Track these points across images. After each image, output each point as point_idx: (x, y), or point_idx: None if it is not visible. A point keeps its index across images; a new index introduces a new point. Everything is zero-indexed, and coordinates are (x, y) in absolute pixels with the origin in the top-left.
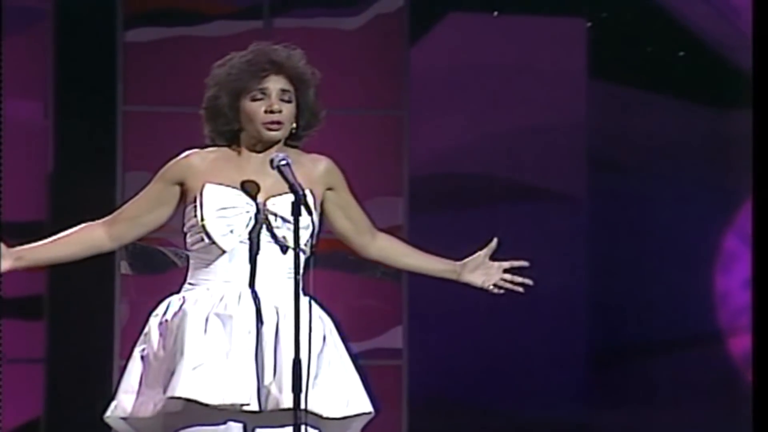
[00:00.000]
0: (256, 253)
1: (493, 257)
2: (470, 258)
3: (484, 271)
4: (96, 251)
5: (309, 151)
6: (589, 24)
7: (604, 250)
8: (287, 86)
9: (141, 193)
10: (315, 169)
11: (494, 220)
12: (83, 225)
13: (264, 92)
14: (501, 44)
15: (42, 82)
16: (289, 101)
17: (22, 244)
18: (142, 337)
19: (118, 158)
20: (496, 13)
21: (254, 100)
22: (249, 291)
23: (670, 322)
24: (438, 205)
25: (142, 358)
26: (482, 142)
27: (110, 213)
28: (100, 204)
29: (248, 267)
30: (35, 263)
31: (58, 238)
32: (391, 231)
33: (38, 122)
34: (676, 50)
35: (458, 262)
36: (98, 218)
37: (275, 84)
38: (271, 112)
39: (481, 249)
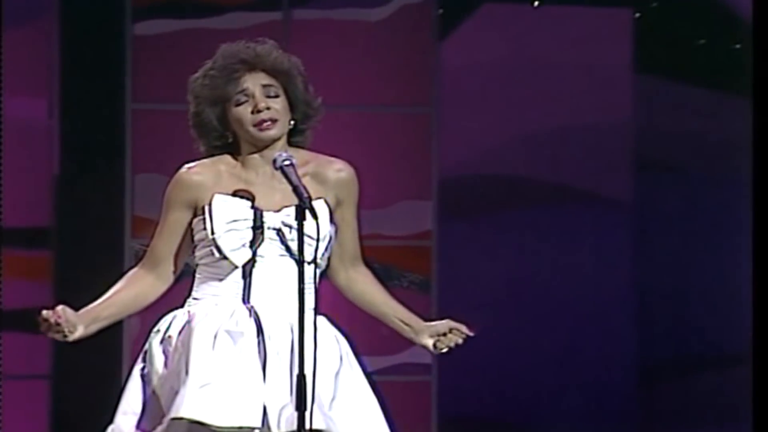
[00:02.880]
0: (270, 268)
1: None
2: (434, 324)
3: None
4: (155, 297)
5: (330, 153)
6: (636, 15)
7: (654, 259)
8: (269, 81)
9: (162, 229)
10: (329, 175)
11: (531, 227)
12: (129, 277)
13: (246, 93)
14: (540, 37)
15: (46, 78)
16: (276, 96)
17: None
18: (142, 355)
19: (127, 160)
20: (536, 3)
21: (238, 104)
22: (262, 307)
23: (726, 336)
24: (470, 210)
25: (143, 377)
26: (518, 142)
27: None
28: (108, 209)
29: (261, 282)
30: (101, 326)
31: (116, 295)
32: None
33: (42, 121)
34: (730, 43)
35: (421, 323)
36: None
37: (254, 81)
38: (258, 111)
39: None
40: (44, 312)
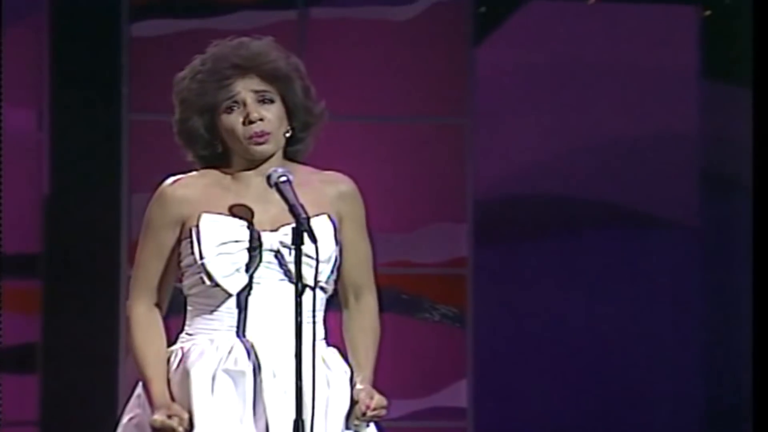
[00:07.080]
0: (269, 295)
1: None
2: (360, 389)
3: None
4: None
5: (348, 170)
6: (706, 12)
7: (724, 289)
8: (263, 86)
9: (151, 254)
10: (328, 191)
11: (579, 253)
12: (148, 324)
13: (236, 100)
14: (594, 38)
15: (35, 86)
16: (270, 101)
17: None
18: (133, 401)
19: (123, 177)
20: (591, 0)
21: (229, 112)
22: (263, 341)
23: None
24: (510, 235)
25: (137, 426)
26: (566, 157)
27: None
28: (103, 231)
29: (260, 311)
30: None
31: (157, 354)
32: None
33: (31, 134)
34: None
35: (358, 388)
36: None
37: (246, 86)
38: (251, 122)
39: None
40: (167, 423)
